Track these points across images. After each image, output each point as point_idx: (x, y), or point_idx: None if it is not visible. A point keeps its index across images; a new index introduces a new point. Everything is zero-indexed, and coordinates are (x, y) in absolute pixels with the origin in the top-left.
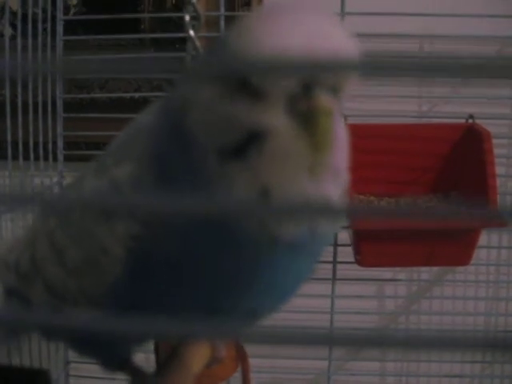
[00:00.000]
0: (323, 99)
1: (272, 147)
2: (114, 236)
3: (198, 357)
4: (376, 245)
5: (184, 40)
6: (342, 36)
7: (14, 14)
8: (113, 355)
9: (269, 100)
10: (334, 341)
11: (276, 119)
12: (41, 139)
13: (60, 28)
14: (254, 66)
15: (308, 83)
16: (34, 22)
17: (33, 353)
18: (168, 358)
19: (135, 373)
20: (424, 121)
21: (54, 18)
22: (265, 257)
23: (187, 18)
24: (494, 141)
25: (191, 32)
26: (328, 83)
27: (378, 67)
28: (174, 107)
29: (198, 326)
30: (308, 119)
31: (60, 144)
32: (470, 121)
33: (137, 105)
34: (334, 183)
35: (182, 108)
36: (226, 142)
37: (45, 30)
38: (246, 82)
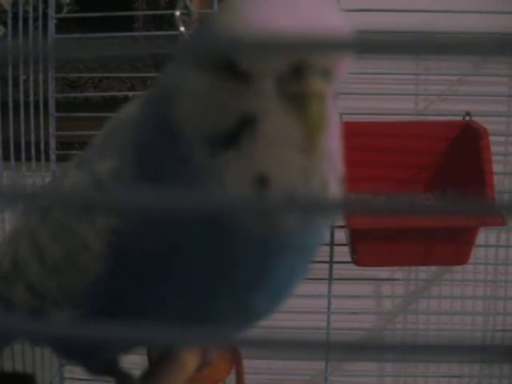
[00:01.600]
0: (315, 82)
1: (265, 132)
2: (95, 230)
3: (189, 359)
4: (373, 244)
5: (177, 38)
6: (336, 15)
7: (4, 11)
8: (98, 360)
9: (258, 84)
10: (331, 347)
11: (267, 103)
12: (33, 139)
13: (52, 26)
14: (242, 44)
15: (298, 65)
16: (25, 19)
17: (26, 356)
18: (158, 360)
19: (122, 377)
20: (420, 119)
21: (45, 16)
22: (259, 253)
23: (177, 13)
24: (491, 138)
25: (182, 28)
26: (319, 66)
27: (372, 45)
28: (159, 97)
29: (187, 332)
30: (299, 103)
31: (52, 144)
32: (467, 118)
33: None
34: (330, 169)
35: (168, 97)
36: (215, 130)
37: (36, 28)
38: (233, 65)
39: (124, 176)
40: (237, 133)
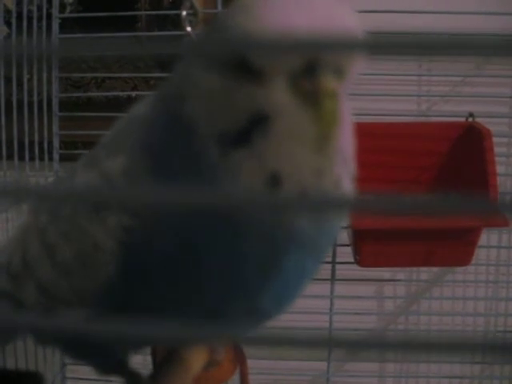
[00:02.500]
0: (327, 80)
1: (277, 130)
2: (106, 229)
3: (196, 358)
4: (375, 245)
5: (181, 38)
6: (349, 16)
7: (8, 11)
8: (107, 358)
9: (271, 81)
10: (334, 343)
11: (279, 101)
12: (36, 138)
13: (56, 26)
14: (256, 44)
15: (311, 64)
16: (30, 19)
17: (28, 355)
18: (165, 359)
19: (131, 376)
20: (423, 120)
21: (49, 16)
22: (271, 252)
23: (184, 13)
24: (494, 139)
25: (188, 28)
26: (332, 64)
27: (382, 46)
28: (171, 95)
29: (199, 329)
30: (312, 101)
31: (56, 143)
32: (470, 119)
33: (133, 104)
34: (342, 167)
35: (180, 95)
36: (228, 128)
37: (40, 28)
38: (246, 63)
39: (134, 174)
40: (249, 131)
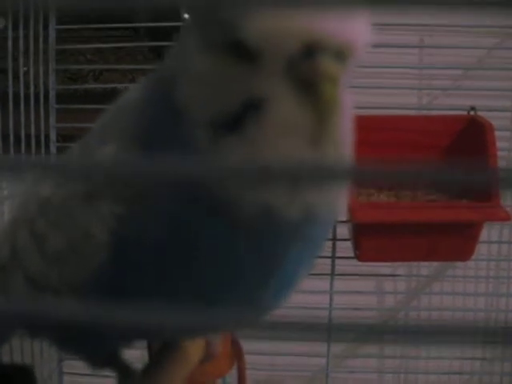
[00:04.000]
0: (327, 65)
1: (271, 117)
2: (97, 217)
3: (194, 349)
4: (376, 239)
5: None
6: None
7: None
8: (97, 350)
9: (267, 64)
10: (333, 329)
11: (275, 86)
12: (33, 131)
13: (53, 18)
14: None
15: (310, 46)
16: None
17: (24, 351)
18: (161, 350)
19: (123, 369)
20: (425, 113)
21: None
22: (261, 238)
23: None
24: (495, 133)
25: (186, 15)
26: (333, 47)
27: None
28: (163, 78)
29: (194, 316)
30: (310, 86)
31: (53, 136)
32: (472, 113)
33: None
34: (339, 159)
35: (172, 79)
36: (219, 112)
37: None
38: (241, 44)
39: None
40: (242, 117)
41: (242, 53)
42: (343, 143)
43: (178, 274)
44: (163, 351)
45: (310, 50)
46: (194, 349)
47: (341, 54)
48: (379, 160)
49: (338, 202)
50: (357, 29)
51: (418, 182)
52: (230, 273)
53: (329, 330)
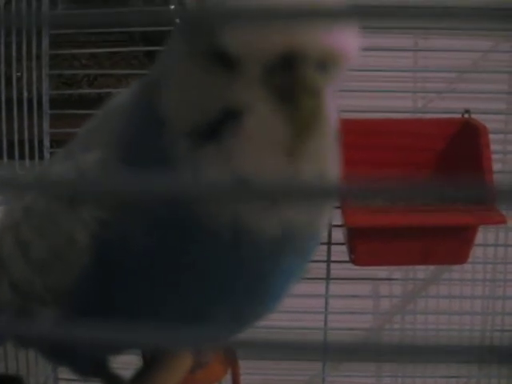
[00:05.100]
0: (308, 75)
1: (247, 127)
2: (80, 223)
3: (181, 360)
4: (371, 243)
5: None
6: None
7: None
8: (85, 361)
9: (245, 73)
10: (328, 352)
11: (253, 95)
12: (26, 137)
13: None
14: (227, 17)
15: (290, 53)
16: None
17: (19, 356)
18: (152, 360)
19: (110, 379)
20: (419, 116)
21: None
22: (243, 252)
23: (172, 7)
24: (490, 136)
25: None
26: (315, 57)
27: (368, 14)
28: (149, 85)
29: (178, 334)
30: (290, 98)
31: (46, 142)
32: (466, 115)
33: None
34: (315, 173)
35: (157, 86)
36: (199, 121)
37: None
38: (221, 52)
39: (108, 167)
40: (219, 126)
41: (223, 61)
42: (325, 157)
43: (162, 281)
44: (154, 360)
45: (290, 60)
46: (185, 357)
47: (324, 64)
48: (367, 177)
49: (321, 219)
50: (342, 38)
51: (406, 200)
52: (215, 282)
53: (324, 351)
